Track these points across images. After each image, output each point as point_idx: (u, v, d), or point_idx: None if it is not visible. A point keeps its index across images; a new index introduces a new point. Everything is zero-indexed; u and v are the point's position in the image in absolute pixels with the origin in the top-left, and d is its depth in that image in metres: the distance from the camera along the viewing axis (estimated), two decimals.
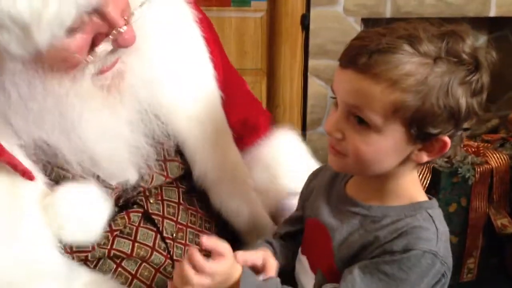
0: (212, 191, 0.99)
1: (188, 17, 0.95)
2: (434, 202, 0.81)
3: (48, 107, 0.77)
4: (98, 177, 0.86)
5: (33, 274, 0.79)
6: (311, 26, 2.54)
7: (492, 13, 2.43)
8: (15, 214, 0.78)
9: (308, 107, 2.66)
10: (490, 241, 2.06)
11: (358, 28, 2.53)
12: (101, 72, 0.80)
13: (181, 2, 0.94)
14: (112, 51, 0.78)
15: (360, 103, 0.73)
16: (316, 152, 2.88)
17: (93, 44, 0.76)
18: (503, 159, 1.99)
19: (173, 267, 0.93)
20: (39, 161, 0.82)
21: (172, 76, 0.92)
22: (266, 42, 2.60)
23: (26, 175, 0.79)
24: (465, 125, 0.76)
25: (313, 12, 2.52)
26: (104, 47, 0.76)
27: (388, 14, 2.48)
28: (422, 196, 0.81)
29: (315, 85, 2.62)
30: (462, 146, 0.81)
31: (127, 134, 0.85)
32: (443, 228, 0.77)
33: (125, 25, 0.76)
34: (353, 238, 0.79)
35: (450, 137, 0.75)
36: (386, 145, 0.74)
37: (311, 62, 2.59)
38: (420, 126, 0.73)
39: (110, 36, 0.76)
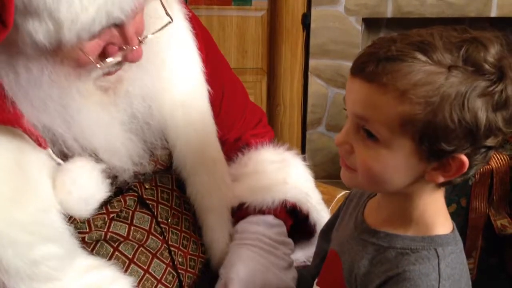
0: (189, 181, 1.00)
1: (179, 14, 0.98)
2: (452, 237, 0.74)
3: (51, 96, 0.81)
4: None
5: (38, 237, 0.81)
6: (312, 26, 2.54)
7: (493, 14, 2.43)
8: (24, 178, 0.81)
9: (308, 107, 2.66)
10: (489, 241, 2.06)
11: (359, 27, 2.53)
12: (103, 75, 0.85)
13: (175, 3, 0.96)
14: (118, 62, 0.84)
15: (367, 114, 0.68)
16: (316, 152, 2.89)
17: (104, 51, 0.81)
18: (503, 160, 1.99)
19: (169, 252, 0.95)
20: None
21: (166, 75, 0.95)
22: (266, 41, 2.60)
23: (41, 143, 0.82)
24: (489, 143, 0.67)
25: (314, 11, 2.52)
26: (115, 59, 0.82)
27: (389, 14, 2.48)
28: (441, 228, 0.74)
29: (315, 84, 2.62)
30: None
31: (118, 132, 0.89)
32: (451, 270, 0.71)
33: (137, 44, 0.82)
34: (359, 270, 0.75)
35: (468, 155, 0.67)
36: (395, 162, 0.68)
37: (312, 62, 2.59)
38: (431, 142, 0.66)
39: (122, 50, 0.82)
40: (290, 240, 1.04)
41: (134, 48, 0.82)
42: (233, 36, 2.58)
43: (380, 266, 0.72)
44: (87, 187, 0.85)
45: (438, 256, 0.70)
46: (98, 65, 0.80)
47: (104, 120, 0.87)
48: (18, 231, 0.79)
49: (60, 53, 0.78)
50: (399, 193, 0.73)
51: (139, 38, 0.83)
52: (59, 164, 0.85)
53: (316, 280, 0.88)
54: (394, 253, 0.72)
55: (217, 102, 1.05)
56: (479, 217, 2.01)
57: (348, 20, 2.52)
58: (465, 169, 0.68)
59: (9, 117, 0.78)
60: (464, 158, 0.67)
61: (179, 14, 0.96)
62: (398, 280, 0.70)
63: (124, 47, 0.81)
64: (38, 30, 0.73)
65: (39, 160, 0.83)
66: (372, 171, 0.70)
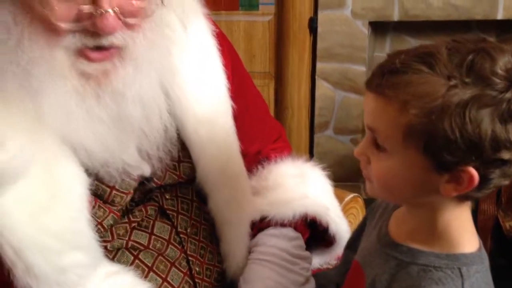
0: (211, 196, 1.00)
1: (206, 30, 0.99)
2: (477, 256, 0.72)
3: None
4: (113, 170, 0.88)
5: (68, 245, 0.82)
6: (319, 30, 2.56)
7: (500, 16, 2.44)
8: (55, 186, 0.82)
9: (316, 110, 2.67)
10: (498, 243, 2.06)
11: (365, 31, 2.54)
12: (87, 58, 0.81)
13: (200, 16, 0.97)
14: (97, 41, 0.79)
15: (375, 126, 0.70)
16: (324, 155, 2.89)
17: (75, 18, 0.77)
18: None
19: (187, 261, 0.96)
20: None
21: (191, 92, 0.96)
22: (274, 45, 2.62)
23: None
24: (504, 156, 0.65)
25: (321, 15, 2.54)
26: (82, 23, 0.77)
27: (396, 17, 2.49)
28: (466, 246, 0.72)
29: (323, 88, 2.63)
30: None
31: (99, 130, 0.85)
32: None
33: (112, 11, 0.77)
34: (381, 285, 0.74)
35: (478, 168, 0.65)
36: (403, 172, 0.69)
37: (319, 65, 2.61)
38: (435, 153, 0.65)
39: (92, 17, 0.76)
40: (308, 254, 1.05)
41: (103, 11, 0.76)
42: (240, 40, 2.60)
43: (402, 282, 0.72)
44: None
45: (462, 276, 0.69)
46: (62, 25, 0.76)
47: (76, 111, 0.81)
48: (50, 238, 0.80)
49: (31, 11, 0.75)
50: (422, 205, 0.73)
51: (115, 8, 0.77)
52: None
53: None
54: (417, 269, 0.71)
55: (240, 116, 1.05)
56: (488, 219, 2.02)
57: (355, 23, 2.53)
58: (475, 183, 0.66)
59: None
60: (473, 172, 0.65)
61: (206, 30, 0.98)
62: None
63: (94, 13, 0.76)
64: None
65: (69, 168, 0.84)
66: (383, 181, 0.72)
